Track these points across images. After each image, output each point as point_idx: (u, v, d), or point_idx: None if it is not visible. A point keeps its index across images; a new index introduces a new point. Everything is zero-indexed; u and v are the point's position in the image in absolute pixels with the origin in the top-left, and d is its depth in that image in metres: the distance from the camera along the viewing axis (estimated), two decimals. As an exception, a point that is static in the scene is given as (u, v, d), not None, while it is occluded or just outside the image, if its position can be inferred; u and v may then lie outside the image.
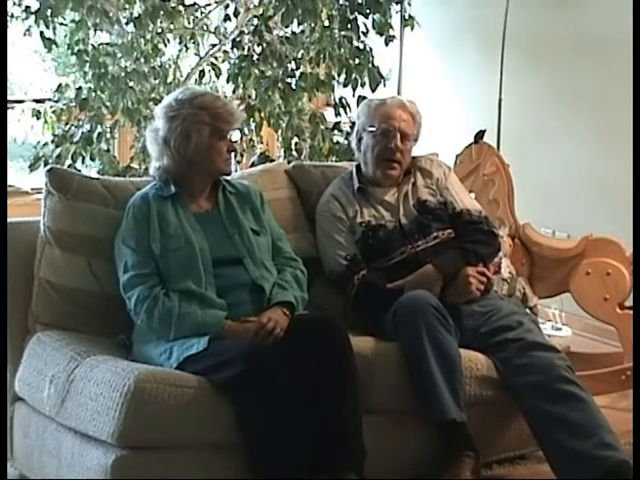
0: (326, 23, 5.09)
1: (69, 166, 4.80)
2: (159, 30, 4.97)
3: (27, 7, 4.88)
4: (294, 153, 5.14)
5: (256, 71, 5.04)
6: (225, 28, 5.26)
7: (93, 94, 4.90)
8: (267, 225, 3.43)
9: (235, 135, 3.38)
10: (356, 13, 5.07)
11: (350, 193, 3.68)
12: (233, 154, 3.40)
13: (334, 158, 5.12)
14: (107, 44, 4.99)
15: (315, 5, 4.95)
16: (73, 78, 5.52)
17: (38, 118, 5.07)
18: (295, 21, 4.98)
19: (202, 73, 5.17)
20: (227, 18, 5.19)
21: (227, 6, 5.19)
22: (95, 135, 4.92)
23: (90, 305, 3.34)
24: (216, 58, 5.20)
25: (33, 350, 3.25)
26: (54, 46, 4.98)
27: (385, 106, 3.67)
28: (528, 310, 4.15)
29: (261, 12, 5.09)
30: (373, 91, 5.03)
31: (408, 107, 3.69)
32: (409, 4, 5.31)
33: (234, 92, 5.17)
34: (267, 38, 5.03)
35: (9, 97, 5.00)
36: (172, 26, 5.04)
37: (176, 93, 3.39)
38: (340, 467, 3.02)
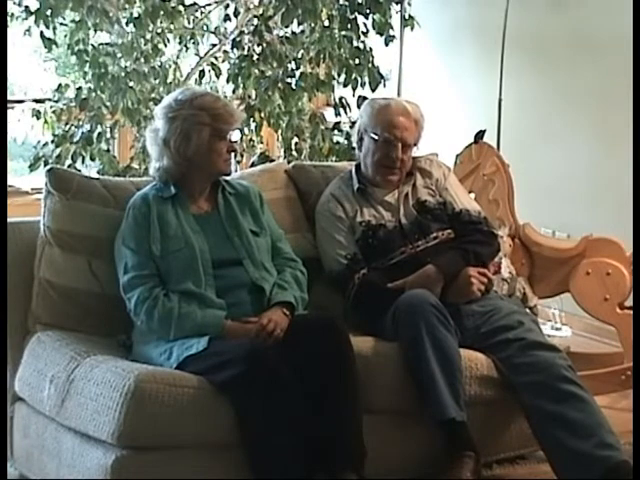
0: (326, 23, 5.09)
1: (69, 166, 4.80)
2: (159, 30, 4.97)
3: (27, 7, 4.88)
4: (294, 153, 5.14)
5: (256, 71, 5.04)
6: (225, 28, 5.26)
7: (93, 94, 4.90)
8: (266, 226, 3.43)
9: (235, 135, 3.38)
10: (356, 13, 5.07)
11: (350, 193, 3.68)
12: (233, 154, 3.40)
13: (334, 158, 5.12)
14: (107, 44, 4.99)
15: (315, 5, 4.95)
16: (73, 78, 5.52)
17: (38, 118, 5.07)
18: (295, 21, 4.99)
19: (202, 73, 5.17)
20: (227, 18, 5.19)
21: (227, 6, 5.19)
22: (95, 135, 4.92)
23: (90, 305, 3.34)
24: (216, 58, 5.20)
25: (33, 350, 3.25)
26: (54, 46, 4.98)
27: (389, 112, 3.64)
28: (528, 310, 4.15)
29: (261, 12, 5.09)
30: (373, 91, 5.03)
31: (412, 114, 3.66)
32: (409, 4, 5.31)
33: (234, 92, 5.17)
34: (267, 38, 5.03)
35: (9, 97, 4.99)
36: (172, 26, 5.04)
37: (176, 93, 3.38)
38: (340, 467, 3.02)
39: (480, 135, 4.67)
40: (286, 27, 5.06)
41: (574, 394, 3.23)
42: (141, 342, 3.21)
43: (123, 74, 4.90)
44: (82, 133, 4.91)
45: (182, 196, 3.34)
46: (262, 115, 5.09)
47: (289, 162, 4.18)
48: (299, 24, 5.03)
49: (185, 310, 3.15)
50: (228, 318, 3.16)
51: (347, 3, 5.07)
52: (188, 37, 5.15)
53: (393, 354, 3.31)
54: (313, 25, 5.02)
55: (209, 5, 5.27)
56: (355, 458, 3.05)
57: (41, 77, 6.00)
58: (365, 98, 4.50)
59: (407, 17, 5.27)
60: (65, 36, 5.08)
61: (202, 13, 5.22)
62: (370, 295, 3.49)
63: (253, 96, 5.09)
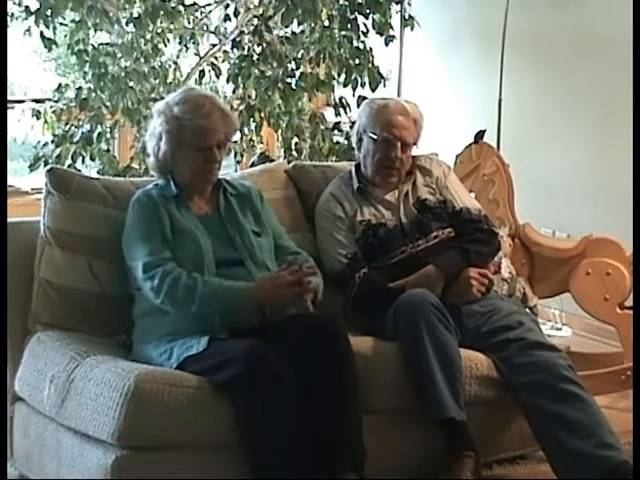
0: (326, 23, 5.08)
1: (69, 166, 4.80)
2: (159, 30, 4.97)
3: (27, 7, 4.88)
4: (294, 153, 5.14)
5: (256, 71, 5.04)
6: (225, 28, 5.25)
7: (93, 94, 4.90)
8: (267, 225, 3.43)
9: (227, 136, 3.36)
10: (356, 13, 5.07)
11: (349, 192, 3.68)
12: (233, 158, 3.41)
13: (334, 158, 5.12)
14: (107, 44, 4.99)
15: (315, 5, 4.95)
16: (73, 78, 5.52)
17: (38, 118, 5.07)
18: (295, 21, 4.98)
19: (202, 73, 5.17)
20: (227, 18, 5.18)
21: (227, 6, 5.18)
22: (95, 135, 4.92)
23: (90, 305, 3.34)
24: (216, 58, 5.20)
25: (33, 350, 3.25)
26: (54, 46, 4.98)
27: (387, 111, 3.64)
28: (528, 310, 4.15)
29: (261, 12, 5.09)
30: (373, 91, 5.03)
31: (410, 113, 3.66)
32: (409, 4, 5.30)
33: (234, 92, 5.17)
34: (267, 38, 5.03)
35: (9, 97, 4.99)
36: (172, 26, 5.04)
37: (172, 95, 3.40)
38: (340, 467, 3.01)
39: (480, 135, 4.67)
40: (286, 27, 5.05)
41: (574, 394, 3.23)
42: (141, 342, 3.21)
43: (123, 74, 4.90)
44: (82, 133, 4.91)
45: (184, 196, 3.33)
46: (262, 115, 5.09)
47: (289, 162, 4.18)
48: (299, 24, 5.02)
49: (209, 279, 3.15)
50: (229, 322, 3.15)
51: (347, 3, 5.07)
52: (188, 37, 5.15)
53: (393, 354, 3.31)
54: (313, 25, 5.02)
55: (209, 5, 5.27)
56: (355, 458, 3.05)
57: (41, 77, 6.00)
58: (365, 98, 4.50)
59: (407, 17, 5.27)
60: (65, 36, 5.08)
61: (202, 13, 5.22)
62: (370, 294, 3.49)
63: (253, 96, 5.08)
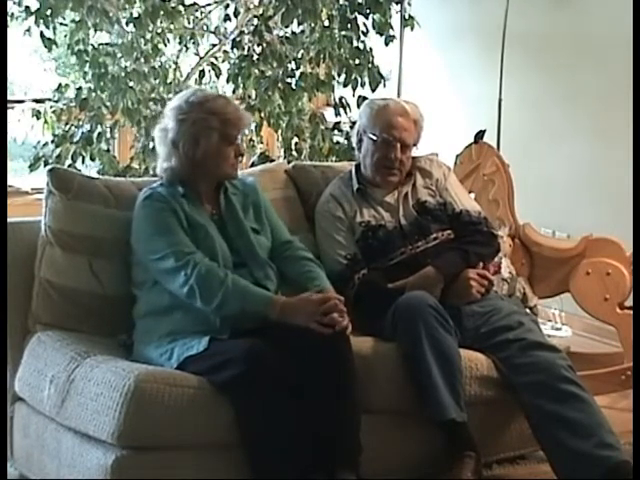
0: (326, 23, 5.09)
1: (69, 166, 4.81)
2: (159, 30, 4.97)
3: (27, 7, 4.88)
4: (294, 153, 5.14)
5: (256, 71, 5.04)
6: (225, 28, 5.26)
7: (93, 94, 4.90)
8: (265, 218, 3.42)
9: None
10: (356, 13, 5.07)
11: (349, 193, 3.68)
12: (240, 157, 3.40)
13: (334, 158, 5.12)
14: (107, 44, 4.99)
15: (315, 5, 4.95)
16: (73, 78, 5.53)
17: (38, 118, 5.07)
18: (295, 21, 4.99)
19: (202, 73, 5.17)
20: (227, 18, 5.19)
21: (227, 6, 5.19)
22: (95, 135, 4.93)
23: (91, 305, 3.34)
24: (216, 58, 5.21)
25: (33, 350, 3.25)
26: (54, 46, 4.99)
27: (387, 112, 3.64)
28: (528, 310, 4.15)
29: (261, 12, 5.10)
30: (373, 91, 5.03)
31: (410, 114, 3.65)
32: (409, 4, 5.31)
33: (234, 92, 5.17)
34: (267, 38, 5.04)
35: (9, 97, 5.00)
36: (172, 26, 5.04)
37: (187, 94, 3.35)
38: (339, 467, 3.01)
39: (480, 135, 4.67)
40: (286, 27, 5.06)
41: (574, 394, 3.23)
42: (142, 342, 3.21)
43: (123, 74, 4.90)
44: (82, 133, 4.91)
45: (190, 196, 3.32)
46: (262, 115, 5.09)
47: (289, 162, 4.19)
48: (299, 24, 5.03)
49: (238, 278, 3.16)
50: (230, 323, 3.15)
51: (347, 3, 5.07)
52: (188, 37, 5.15)
53: (393, 354, 3.31)
54: (313, 25, 5.03)
55: (209, 5, 5.27)
56: (352, 456, 3.05)
57: (41, 77, 6.01)
58: (365, 98, 4.51)
59: (407, 17, 5.27)
60: (65, 36, 5.09)
61: (202, 13, 5.22)
62: (370, 295, 3.48)
63: (253, 96, 5.09)
